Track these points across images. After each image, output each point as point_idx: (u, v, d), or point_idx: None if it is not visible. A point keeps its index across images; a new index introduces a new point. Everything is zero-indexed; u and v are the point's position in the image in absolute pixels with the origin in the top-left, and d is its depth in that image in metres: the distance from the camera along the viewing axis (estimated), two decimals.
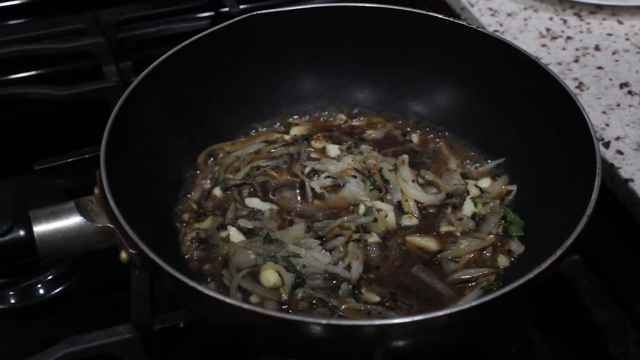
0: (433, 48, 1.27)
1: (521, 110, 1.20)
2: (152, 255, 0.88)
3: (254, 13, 1.26)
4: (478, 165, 1.24)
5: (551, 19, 1.65)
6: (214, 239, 1.12)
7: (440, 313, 0.84)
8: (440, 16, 1.25)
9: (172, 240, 1.12)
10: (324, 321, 0.82)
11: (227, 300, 0.83)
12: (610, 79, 1.48)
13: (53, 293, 1.22)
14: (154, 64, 1.15)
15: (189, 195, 1.19)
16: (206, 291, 0.84)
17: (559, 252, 0.89)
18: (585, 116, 1.05)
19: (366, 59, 1.31)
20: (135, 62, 1.55)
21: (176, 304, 1.09)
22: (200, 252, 1.10)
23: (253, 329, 0.91)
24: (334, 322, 0.83)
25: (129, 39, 1.55)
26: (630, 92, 1.45)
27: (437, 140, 1.28)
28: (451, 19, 1.25)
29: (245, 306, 0.83)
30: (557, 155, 1.12)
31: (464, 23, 1.24)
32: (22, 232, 0.92)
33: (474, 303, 0.84)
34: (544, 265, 0.88)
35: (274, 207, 1.16)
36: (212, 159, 1.24)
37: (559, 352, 1.12)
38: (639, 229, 1.24)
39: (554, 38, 1.59)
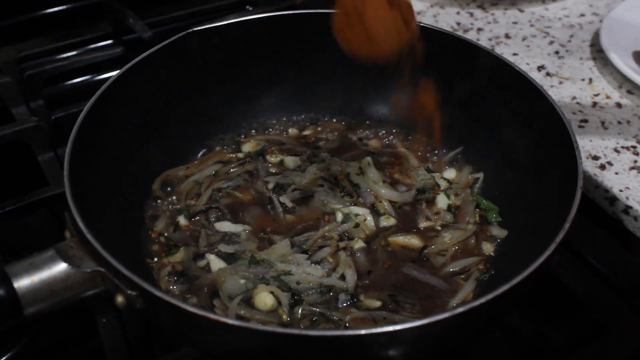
0: None
1: (475, 100, 1.21)
2: (158, 294, 0.81)
3: (189, 31, 1.20)
4: (441, 155, 1.24)
5: (458, 13, 1.69)
6: (193, 270, 1.05)
7: (462, 309, 0.81)
8: None
9: (147, 277, 1.04)
10: (363, 332, 0.78)
11: (260, 328, 0.79)
12: (528, 64, 1.54)
13: None
14: (93, 98, 1.06)
15: (152, 229, 1.11)
16: (240, 323, 0.80)
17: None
18: (544, 93, 1.08)
19: (307, 67, 1.28)
20: (47, 99, 1.44)
21: (159, 346, 1.02)
22: (180, 285, 1.03)
23: (272, 353, 0.86)
24: (371, 331, 0.79)
25: (38, 75, 1.43)
26: (548, 74, 1.51)
27: (392, 138, 1.28)
28: None
29: (279, 330, 0.79)
30: (520, 137, 1.14)
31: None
32: (1, 292, 0.82)
33: (490, 296, 0.82)
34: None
35: (247, 227, 1.11)
36: (168, 188, 1.17)
37: (539, 331, 1.14)
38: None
39: (466, 31, 1.64)
